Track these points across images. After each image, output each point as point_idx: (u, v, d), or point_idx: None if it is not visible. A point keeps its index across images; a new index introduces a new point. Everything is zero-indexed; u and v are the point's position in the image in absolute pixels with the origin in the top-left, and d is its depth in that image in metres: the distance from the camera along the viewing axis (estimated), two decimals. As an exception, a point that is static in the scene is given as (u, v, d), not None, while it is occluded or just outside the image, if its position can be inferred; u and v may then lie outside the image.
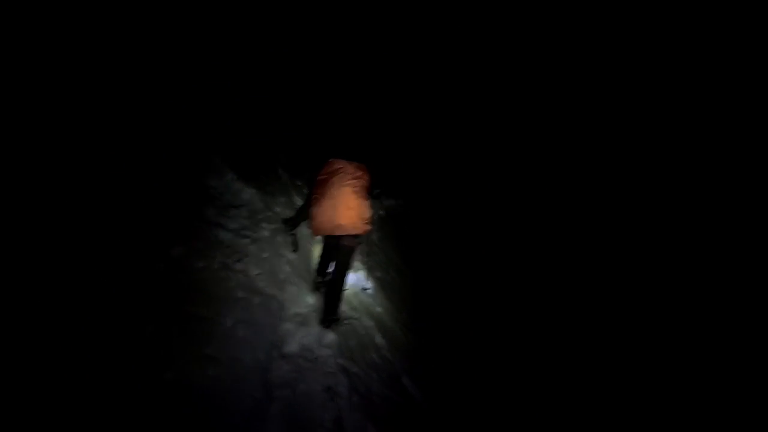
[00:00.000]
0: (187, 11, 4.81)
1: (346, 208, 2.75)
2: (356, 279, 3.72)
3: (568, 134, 6.10)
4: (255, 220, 3.81)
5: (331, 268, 3.16)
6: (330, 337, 3.36)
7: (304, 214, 3.09)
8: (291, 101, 5.88)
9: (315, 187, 2.84)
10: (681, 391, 3.93)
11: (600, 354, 4.28)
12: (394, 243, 4.78)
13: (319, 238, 3.31)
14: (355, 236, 2.89)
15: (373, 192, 3.01)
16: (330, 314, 3.22)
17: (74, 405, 2.00)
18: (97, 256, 2.76)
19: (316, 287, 3.48)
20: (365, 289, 3.79)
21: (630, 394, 3.96)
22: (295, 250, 3.58)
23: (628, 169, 5.65)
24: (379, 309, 3.84)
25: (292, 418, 2.68)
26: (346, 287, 3.19)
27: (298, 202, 4.31)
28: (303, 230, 3.64)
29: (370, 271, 4.15)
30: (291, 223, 3.46)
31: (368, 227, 2.89)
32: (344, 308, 3.48)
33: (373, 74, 6.58)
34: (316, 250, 3.54)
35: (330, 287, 3.20)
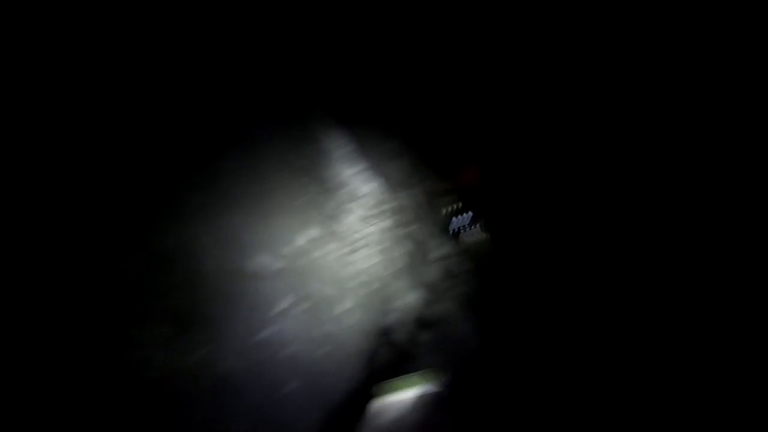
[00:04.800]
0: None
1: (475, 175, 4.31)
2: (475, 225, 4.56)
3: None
4: (376, 211, 4.16)
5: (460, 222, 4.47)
6: (426, 336, 3.69)
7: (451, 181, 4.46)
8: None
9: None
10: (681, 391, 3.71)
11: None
12: (503, 245, 4.58)
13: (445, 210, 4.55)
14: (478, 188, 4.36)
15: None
16: (462, 224, 4.39)
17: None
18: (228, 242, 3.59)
19: (459, 231, 4.40)
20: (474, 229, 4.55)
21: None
22: (452, 203, 4.56)
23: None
24: (483, 309, 3.94)
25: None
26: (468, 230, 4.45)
27: (420, 196, 4.46)
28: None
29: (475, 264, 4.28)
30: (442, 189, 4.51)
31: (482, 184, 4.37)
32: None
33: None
34: (455, 207, 4.52)
35: (464, 212, 4.41)
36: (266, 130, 4.22)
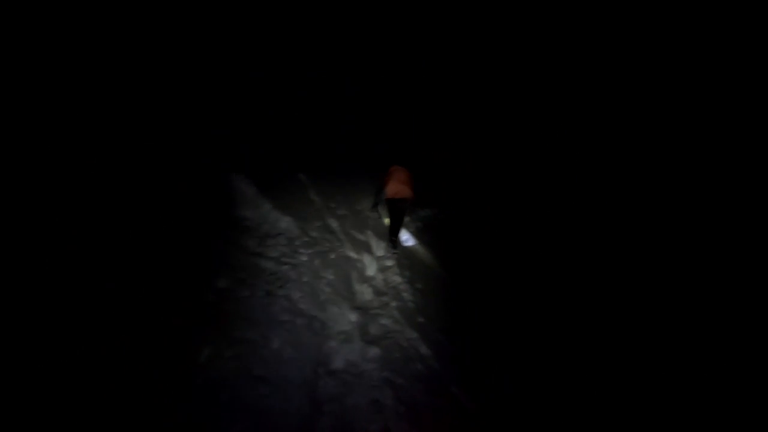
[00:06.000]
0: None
1: (402, 183, 4.56)
2: (406, 236, 5.02)
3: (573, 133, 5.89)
4: (293, 246, 4.02)
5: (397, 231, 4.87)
6: (374, 351, 3.41)
7: (380, 194, 4.71)
8: (318, 124, 6.20)
9: (385, 178, 4.67)
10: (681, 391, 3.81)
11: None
12: (432, 252, 4.78)
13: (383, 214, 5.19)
14: (406, 199, 4.62)
15: (406, 201, 4.70)
16: (393, 236, 4.72)
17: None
18: (150, 294, 3.12)
19: (392, 245, 4.71)
20: (408, 243, 4.94)
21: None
22: (380, 217, 5.17)
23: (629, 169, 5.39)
24: (421, 319, 3.82)
25: (340, 431, 2.75)
26: (403, 239, 4.95)
27: (334, 224, 4.47)
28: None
29: (412, 272, 4.25)
30: (374, 202, 4.92)
31: (412, 195, 4.63)
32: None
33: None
34: (386, 222, 5.02)
35: (393, 225, 4.74)
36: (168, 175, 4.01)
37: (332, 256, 4.10)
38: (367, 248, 4.42)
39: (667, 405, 3.65)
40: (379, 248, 4.50)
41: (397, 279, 4.12)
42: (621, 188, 5.42)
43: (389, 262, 4.32)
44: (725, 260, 4.52)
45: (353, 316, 3.66)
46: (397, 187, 4.49)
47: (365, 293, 3.93)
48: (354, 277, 4.01)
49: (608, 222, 5.23)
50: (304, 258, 3.96)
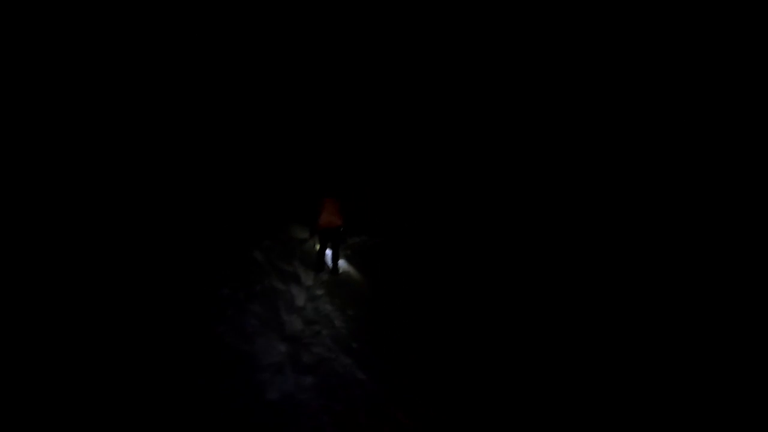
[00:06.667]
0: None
1: (332, 214, 4.99)
2: (341, 263, 5.42)
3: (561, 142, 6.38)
4: (214, 280, 3.77)
5: (327, 257, 5.30)
6: (309, 380, 3.24)
7: (314, 225, 5.15)
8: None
9: (318, 209, 5.10)
10: (681, 392, 3.92)
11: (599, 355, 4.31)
12: (363, 278, 4.82)
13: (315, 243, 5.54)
14: (338, 227, 5.07)
15: (339, 228, 5.17)
16: (335, 265, 5.19)
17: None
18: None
19: (318, 270, 5.06)
20: (338, 270, 5.27)
21: (630, 394, 3.98)
22: (315, 245, 5.48)
23: (623, 170, 5.79)
24: (355, 344, 3.75)
25: (279, 466, 2.48)
26: (339, 265, 5.29)
27: (259, 256, 4.32)
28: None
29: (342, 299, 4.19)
30: (310, 233, 5.39)
31: (341, 224, 5.09)
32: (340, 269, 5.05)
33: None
34: (317, 248, 5.34)
35: (333, 254, 5.24)
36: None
37: (258, 288, 3.91)
38: (296, 278, 4.31)
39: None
40: (308, 278, 4.41)
41: (328, 307, 4.05)
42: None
43: (319, 291, 4.24)
44: (701, 262, 4.60)
45: (283, 347, 3.48)
46: (328, 217, 4.88)
47: (295, 323, 3.77)
48: (282, 307, 3.84)
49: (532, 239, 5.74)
50: (226, 291, 3.71)
